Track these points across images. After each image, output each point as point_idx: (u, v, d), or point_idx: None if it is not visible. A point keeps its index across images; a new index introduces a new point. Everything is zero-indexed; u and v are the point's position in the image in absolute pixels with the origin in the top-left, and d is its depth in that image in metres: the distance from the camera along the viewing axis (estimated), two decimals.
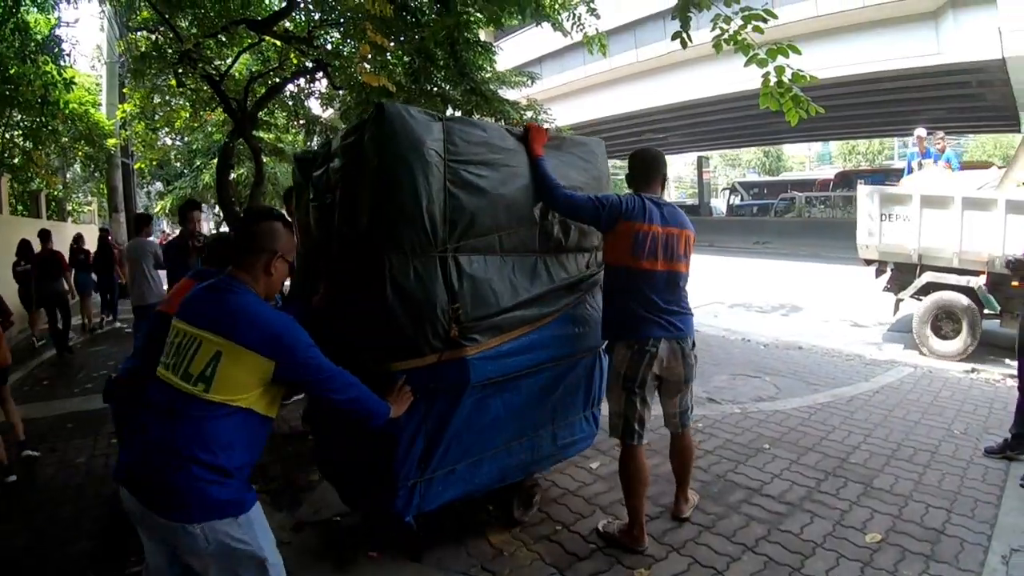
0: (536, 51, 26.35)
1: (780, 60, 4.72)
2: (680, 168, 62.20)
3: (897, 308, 9.26)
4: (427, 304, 2.91)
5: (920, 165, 10.58)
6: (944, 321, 8.55)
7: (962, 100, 21.43)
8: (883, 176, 34.06)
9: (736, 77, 19.85)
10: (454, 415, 3.08)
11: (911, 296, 8.87)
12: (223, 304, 2.18)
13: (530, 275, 3.38)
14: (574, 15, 9.04)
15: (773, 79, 4.79)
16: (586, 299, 3.68)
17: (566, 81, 26.64)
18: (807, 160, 67.75)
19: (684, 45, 5.00)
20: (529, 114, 10.89)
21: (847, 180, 36.87)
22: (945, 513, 3.99)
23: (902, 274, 9.16)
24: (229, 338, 2.10)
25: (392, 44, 7.98)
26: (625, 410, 3.43)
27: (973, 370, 7.69)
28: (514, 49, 25.73)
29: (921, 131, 10.67)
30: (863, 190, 9.29)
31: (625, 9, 21.84)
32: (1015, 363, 5.10)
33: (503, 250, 3.28)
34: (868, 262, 9.54)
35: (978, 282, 8.23)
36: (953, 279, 8.48)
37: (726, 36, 4.93)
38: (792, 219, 32.89)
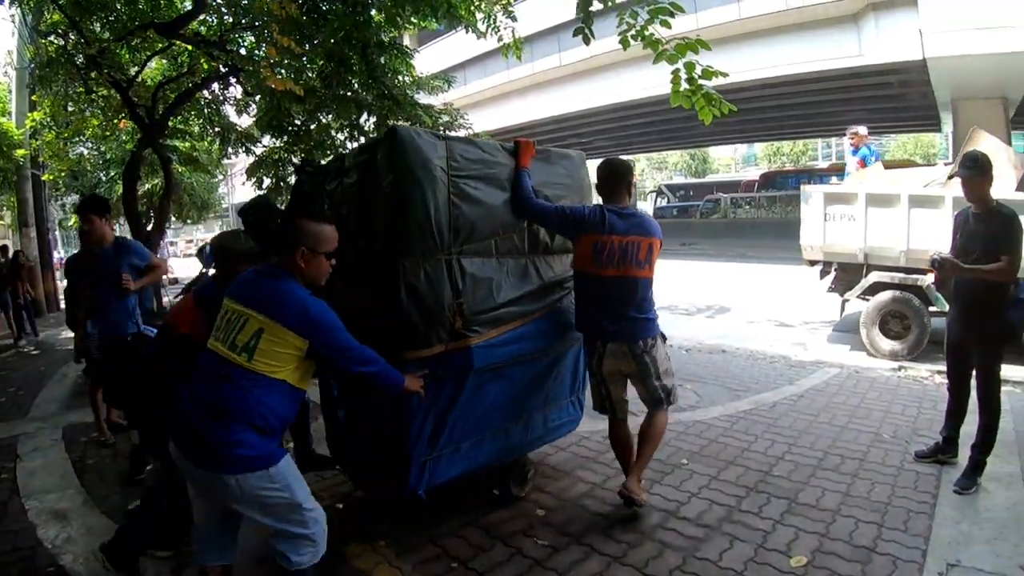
0: (459, 56, 26.00)
1: (690, 57, 4.70)
2: None
3: (843, 309, 9.07)
4: (436, 301, 3.27)
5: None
6: (892, 321, 8.34)
7: (884, 100, 21.83)
8: (807, 176, 34.81)
9: (659, 80, 19.74)
10: (459, 398, 3.45)
11: (858, 296, 8.60)
12: (268, 288, 2.56)
13: (522, 274, 3.77)
14: (490, 18, 8.83)
15: (684, 76, 4.78)
16: (571, 295, 4.01)
17: (490, 86, 26.34)
18: (733, 162, 69.19)
19: (587, 41, 5.09)
20: (445, 118, 10.95)
21: (771, 181, 37.57)
22: (876, 528, 3.70)
23: (847, 274, 8.90)
24: (271, 317, 2.47)
25: (301, 47, 7.63)
26: (595, 393, 3.96)
27: (900, 368, 7.57)
28: (437, 54, 25.65)
29: (861, 128, 10.45)
30: (807, 190, 9.00)
31: (548, 13, 21.62)
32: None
33: (498, 253, 3.66)
34: (812, 263, 9.25)
35: (926, 280, 8.03)
36: (901, 278, 8.27)
37: (633, 32, 4.90)
38: (718, 220, 33.28)
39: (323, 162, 4.25)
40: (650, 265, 3.77)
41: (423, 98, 11.03)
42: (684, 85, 4.80)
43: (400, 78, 10.12)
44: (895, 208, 8.11)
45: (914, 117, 24.99)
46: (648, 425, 3.89)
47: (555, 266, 4.01)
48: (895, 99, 21.13)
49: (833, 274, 9.03)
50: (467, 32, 8.97)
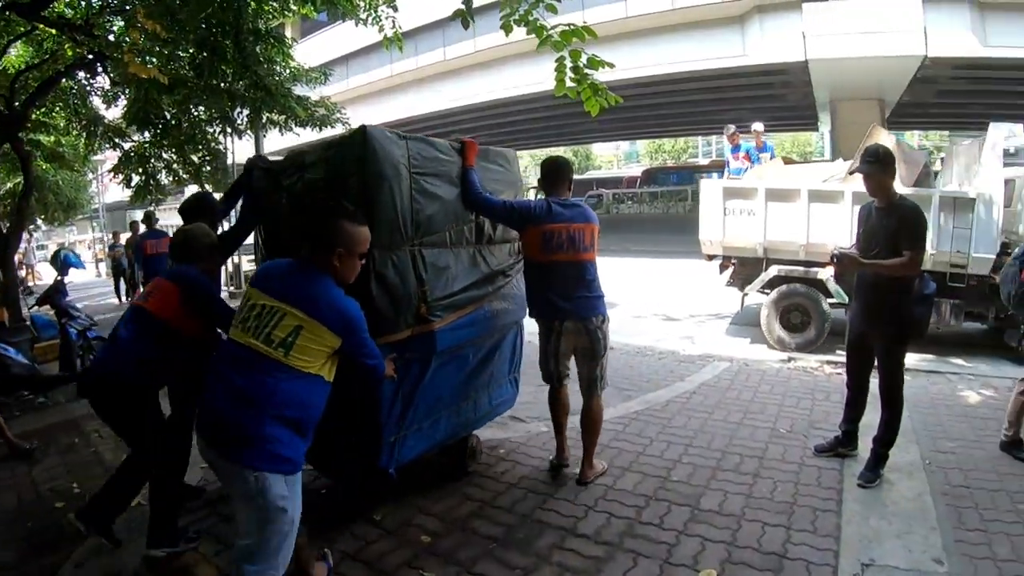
0: (342, 48, 25.35)
1: (576, 45, 4.64)
2: None
3: (743, 303, 9.11)
4: (403, 288, 3.45)
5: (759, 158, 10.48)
6: (793, 313, 8.35)
7: (766, 100, 22.48)
8: (689, 173, 35.76)
9: (542, 76, 19.54)
10: (423, 379, 3.62)
11: (758, 290, 8.57)
12: (307, 286, 2.57)
13: (472, 263, 4.00)
14: (371, 7, 8.60)
15: (569, 65, 4.73)
16: (513, 282, 4.30)
17: (372, 80, 25.75)
18: (615, 159, 70.54)
19: (466, 25, 4.93)
20: (321, 111, 11.08)
21: (653, 177, 38.31)
22: (784, 531, 3.56)
23: (746, 268, 8.85)
24: (311, 315, 2.50)
25: (170, 32, 7.10)
26: (544, 368, 4.29)
27: (790, 359, 7.53)
28: (320, 47, 25.17)
29: (758, 125, 10.53)
30: (706, 185, 8.88)
31: (433, 7, 21.10)
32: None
33: (452, 244, 3.87)
34: (710, 257, 9.15)
35: (826, 274, 8.05)
36: (801, 272, 8.27)
37: (515, 17, 4.79)
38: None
39: (273, 158, 4.25)
40: (594, 249, 4.12)
41: (300, 90, 10.90)
42: (569, 74, 4.68)
43: (278, 68, 9.82)
44: (795, 203, 8.09)
45: (794, 116, 25.92)
46: (587, 412, 4.20)
47: (497, 255, 4.25)
48: (776, 99, 21.81)
49: (731, 268, 8.98)
50: (344, 21, 8.87)
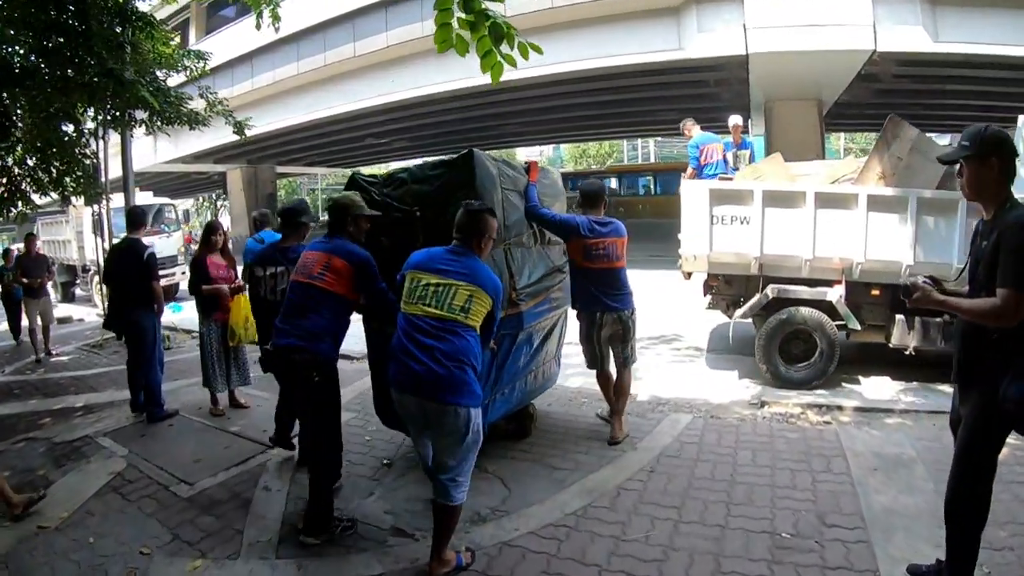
0: (248, 45, 23.11)
1: None
2: None
3: (732, 331, 7.52)
4: (501, 278, 3.93)
5: (736, 156, 9.14)
6: (794, 342, 6.97)
7: (697, 100, 21.38)
8: (618, 176, 34.48)
9: (461, 73, 18.28)
10: (510, 352, 4.48)
11: (752, 315, 7.06)
12: (468, 265, 3.44)
13: (540, 259, 4.97)
14: None
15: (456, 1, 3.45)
16: (565, 276, 5.22)
17: (279, 79, 23.37)
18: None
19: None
20: (192, 105, 10.01)
21: (574, 182, 37.22)
22: None
23: (732, 288, 7.42)
24: (477, 285, 3.38)
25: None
26: (590, 353, 5.35)
27: (762, 404, 6.13)
28: (225, 44, 23.36)
29: (737, 119, 9.04)
30: (689, 188, 7.25)
31: None
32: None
33: (525, 244, 4.83)
34: (689, 275, 7.55)
35: (836, 294, 6.67)
36: (806, 292, 6.82)
37: None
38: None
39: (371, 174, 5.01)
40: (624, 257, 5.17)
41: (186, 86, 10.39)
42: (459, 15, 3.48)
43: (143, 53, 9.39)
44: (799, 209, 6.65)
45: (723, 118, 24.94)
46: (620, 381, 5.34)
47: (554, 254, 5.17)
48: (708, 98, 20.75)
49: (717, 287, 7.49)
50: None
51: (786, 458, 4.80)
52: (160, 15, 27.57)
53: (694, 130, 9.22)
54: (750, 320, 7.50)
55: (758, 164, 7.43)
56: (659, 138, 49.12)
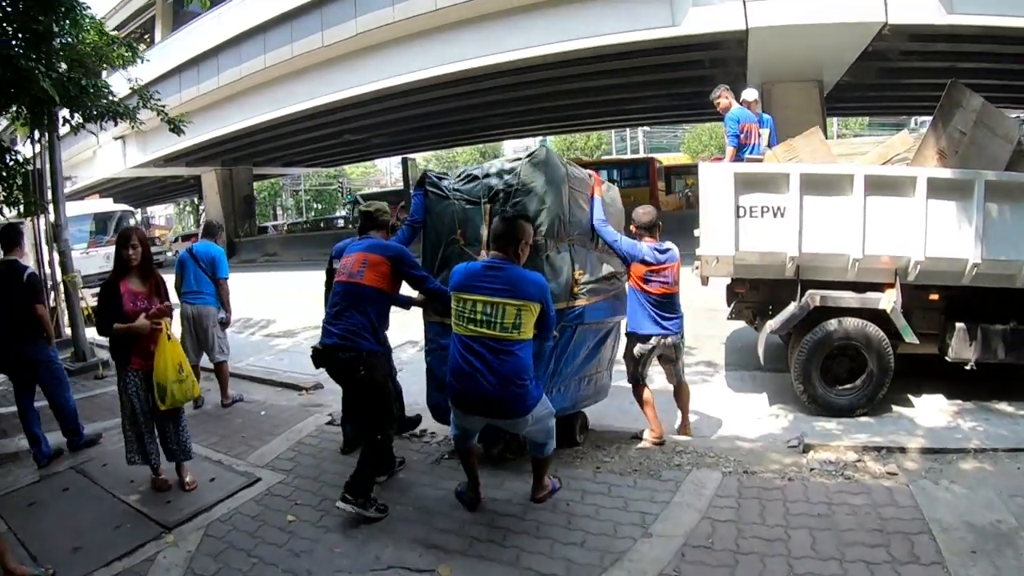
0: (213, 40, 22.22)
1: None
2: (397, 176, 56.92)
3: (764, 346, 6.14)
4: (564, 270, 4.43)
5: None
6: (838, 360, 5.77)
7: (690, 84, 20.29)
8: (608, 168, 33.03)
9: (433, 60, 17.43)
10: (570, 344, 4.55)
11: (780, 331, 5.84)
12: (508, 279, 3.59)
13: (599, 262, 4.98)
14: None
15: None
16: (623, 286, 5.20)
17: (245, 74, 22.09)
18: None
19: None
20: (126, 99, 9.25)
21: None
22: None
23: (762, 294, 6.20)
24: (524, 299, 3.54)
25: None
26: (633, 370, 5.19)
27: (804, 449, 4.75)
28: (191, 40, 23.19)
29: (753, 92, 7.72)
30: (709, 172, 5.93)
31: None
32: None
33: (587, 245, 4.85)
34: (705, 281, 6.31)
35: (889, 301, 5.48)
36: (853, 299, 5.60)
37: None
38: None
39: (442, 171, 5.66)
40: (678, 282, 5.12)
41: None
42: None
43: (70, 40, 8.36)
44: (845, 196, 5.44)
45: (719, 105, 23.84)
46: (679, 390, 5.36)
47: (613, 261, 5.13)
48: (702, 82, 19.47)
49: (744, 293, 6.26)
50: None
51: (856, 540, 3.50)
52: (125, 12, 26.93)
53: (732, 100, 7.59)
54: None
55: (792, 141, 6.09)
56: (647, 128, 48.09)
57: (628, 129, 48.32)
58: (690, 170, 29.09)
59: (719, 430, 5.54)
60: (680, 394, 5.35)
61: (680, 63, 18.26)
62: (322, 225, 43.86)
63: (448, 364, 3.78)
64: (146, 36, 27.27)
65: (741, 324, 7.18)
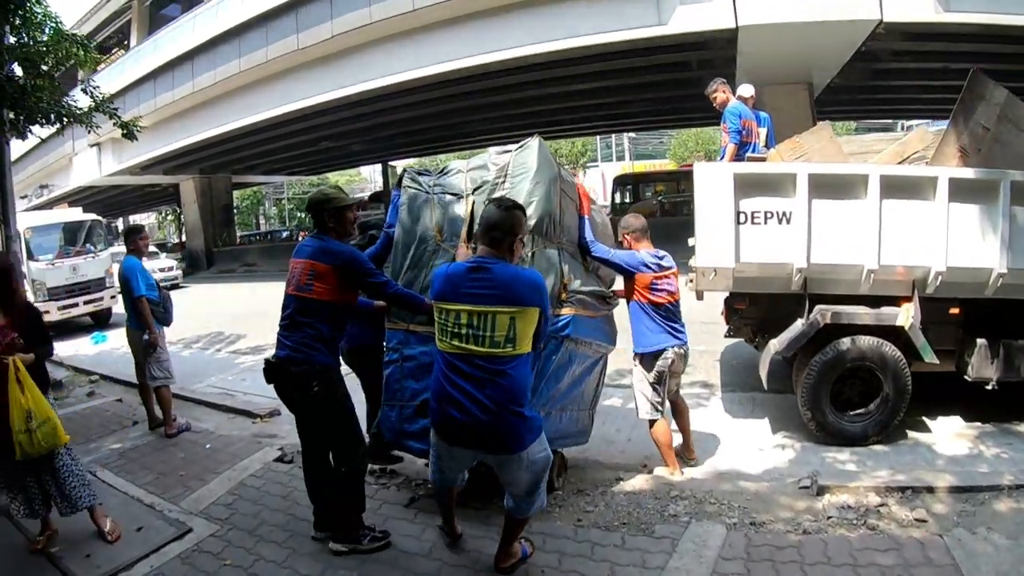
0: (188, 43, 21.56)
1: None
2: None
3: (767, 368, 5.44)
4: (554, 271, 3.98)
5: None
6: (849, 382, 5.18)
7: (675, 88, 19.89)
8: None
9: (409, 63, 16.88)
10: (551, 362, 3.93)
11: (791, 350, 5.18)
12: (501, 281, 2.99)
13: (590, 273, 4.61)
14: None
15: None
16: (611, 314, 4.85)
17: (219, 79, 21.35)
18: None
19: None
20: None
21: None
22: None
23: (762, 308, 5.60)
24: (518, 303, 2.95)
25: None
26: (653, 397, 4.68)
27: (819, 490, 4.17)
28: (165, 44, 22.53)
29: (749, 88, 7.08)
30: (705, 172, 5.27)
31: None
32: None
33: (575, 256, 4.45)
34: (700, 295, 5.69)
35: (907, 316, 4.89)
36: (867, 315, 5.01)
37: None
38: None
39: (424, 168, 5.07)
40: (679, 290, 4.75)
41: None
42: None
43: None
44: (859, 199, 4.86)
45: (703, 109, 23.17)
46: (678, 408, 5.00)
47: (602, 276, 4.87)
48: (688, 85, 19.08)
49: (744, 308, 5.67)
50: None
51: None
52: (100, 15, 26.22)
53: (730, 95, 6.97)
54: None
55: (799, 138, 5.45)
56: (632, 134, 47.59)
57: (613, 135, 47.85)
58: (657, 177, 29.46)
59: (719, 463, 4.94)
60: (680, 412, 4.99)
61: (666, 64, 17.69)
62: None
63: (431, 386, 3.20)
64: (125, 43, 26.63)
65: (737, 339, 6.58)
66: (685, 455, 4.93)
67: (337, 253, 3.58)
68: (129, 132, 8.82)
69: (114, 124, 8.69)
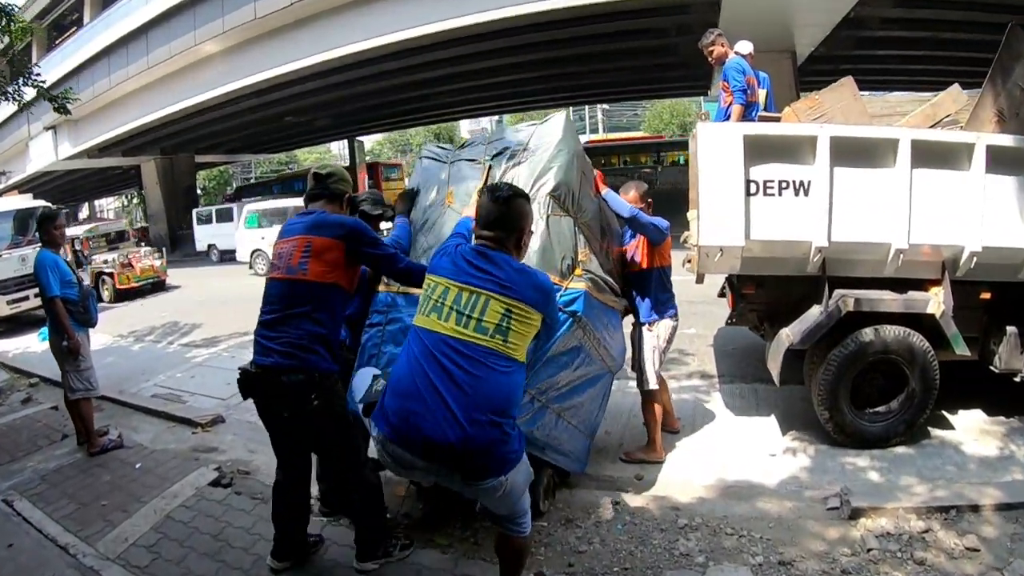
0: (142, 16, 20.50)
1: None
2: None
3: (781, 358, 4.67)
4: (567, 241, 3.67)
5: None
6: (871, 377, 4.53)
7: (654, 56, 19.41)
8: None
9: (371, 29, 16.12)
10: (554, 341, 3.35)
11: (809, 342, 4.49)
12: (500, 270, 2.49)
13: (607, 257, 4.26)
14: None
15: None
16: (620, 322, 4.37)
17: (175, 53, 20.28)
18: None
19: None
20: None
21: None
22: None
23: (772, 293, 4.93)
24: (518, 299, 2.44)
25: None
26: (658, 369, 4.46)
27: (853, 514, 3.58)
28: (119, 19, 21.46)
29: (748, 45, 6.26)
30: (709, 133, 4.48)
31: None
32: None
33: (589, 236, 3.97)
34: (700, 279, 4.98)
35: (937, 303, 4.27)
36: (894, 301, 4.38)
37: None
38: None
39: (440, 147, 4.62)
40: None
41: None
42: None
43: None
44: (887, 167, 4.18)
45: (681, 78, 22.81)
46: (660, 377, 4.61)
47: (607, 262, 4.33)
48: (665, 53, 18.62)
49: (752, 294, 5.01)
50: None
51: None
52: None
53: (729, 49, 6.12)
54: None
55: (819, 95, 4.70)
56: (606, 106, 46.83)
57: (587, 107, 46.95)
58: (621, 148, 30.62)
59: (728, 474, 4.27)
60: (662, 383, 4.73)
61: (642, 30, 17.03)
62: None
63: (392, 371, 2.61)
64: (80, 18, 25.33)
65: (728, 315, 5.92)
66: (668, 424, 4.84)
67: (339, 223, 3.13)
68: (61, 106, 8.10)
69: (40, 96, 7.93)
